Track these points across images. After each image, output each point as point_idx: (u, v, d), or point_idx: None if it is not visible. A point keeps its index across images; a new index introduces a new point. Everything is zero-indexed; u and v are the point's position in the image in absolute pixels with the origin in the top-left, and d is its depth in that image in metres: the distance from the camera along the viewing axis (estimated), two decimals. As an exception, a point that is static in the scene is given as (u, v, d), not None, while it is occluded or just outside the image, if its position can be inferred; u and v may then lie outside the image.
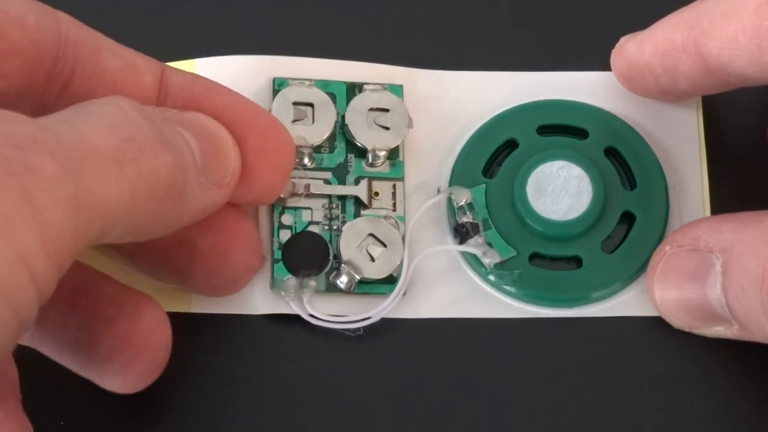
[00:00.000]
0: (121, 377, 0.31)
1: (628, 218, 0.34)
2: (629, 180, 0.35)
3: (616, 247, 0.34)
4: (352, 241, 0.34)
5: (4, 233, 0.23)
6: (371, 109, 0.35)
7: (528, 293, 0.34)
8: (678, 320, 0.33)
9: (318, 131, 0.35)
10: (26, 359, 0.32)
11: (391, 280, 0.33)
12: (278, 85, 0.35)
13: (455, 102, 0.36)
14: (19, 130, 0.25)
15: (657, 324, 0.33)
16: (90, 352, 0.30)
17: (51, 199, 0.24)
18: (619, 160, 0.35)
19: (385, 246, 0.34)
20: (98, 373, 0.31)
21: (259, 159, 0.31)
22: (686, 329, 0.33)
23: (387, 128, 0.35)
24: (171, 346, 0.31)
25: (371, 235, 0.34)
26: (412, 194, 0.35)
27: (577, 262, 0.34)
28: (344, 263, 0.33)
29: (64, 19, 0.29)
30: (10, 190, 0.23)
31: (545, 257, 0.34)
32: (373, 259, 0.34)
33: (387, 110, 0.35)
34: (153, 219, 0.28)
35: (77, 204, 0.25)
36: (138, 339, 0.30)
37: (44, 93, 0.29)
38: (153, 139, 0.27)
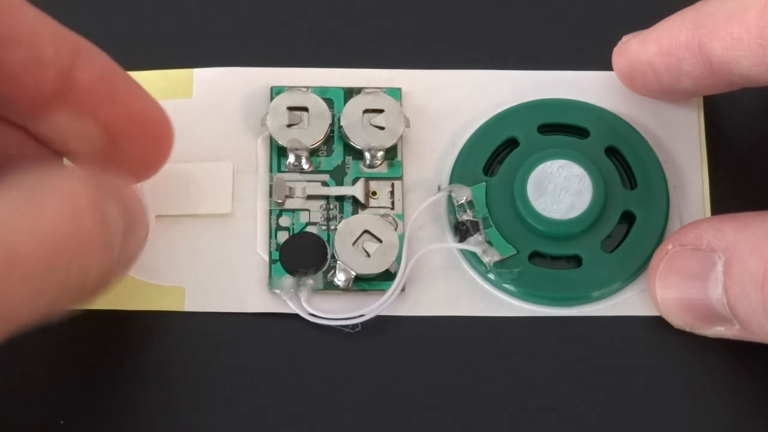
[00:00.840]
0: None
1: (628, 218, 0.34)
2: (630, 179, 0.35)
3: (616, 247, 0.34)
4: (348, 238, 0.34)
5: None
6: (366, 111, 0.35)
7: (528, 292, 0.34)
8: (679, 320, 0.33)
9: (313, 134, 0.35)
10: (26, 359, 0.32)
11: (389, 277, 0.34)
12: (276, 94, 0.35)
13: (456, 101, 0.36)
14: None
15: (657, 324, 0.33)
16: None
17: None
18: (620, 160, 0.35)
19: (380, 242, 0.34)
20: None
21: (134, 169, 0.31)
22: (687, 329, 0.33)
23: (382, 128, 0.35)
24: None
25: (367, 231, 0.34)
26: (412, 192, 0.35)
27: (577, 261, 0.34)
28: (340, 260, 0.33)
29: None
30: None
31: (545, 256, 0.34)
32: (368, 255, 0.34)
33: (382, 111, 0.35)
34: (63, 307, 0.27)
35: None
36: None
37: None
38: (94, 243, 0.26)
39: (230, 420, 0.33)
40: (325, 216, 0.35)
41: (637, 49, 0.34)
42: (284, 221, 0.34)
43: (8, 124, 0.30)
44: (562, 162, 0.34)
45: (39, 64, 0.28)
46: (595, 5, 0.37)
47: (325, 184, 0.35)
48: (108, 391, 0.33)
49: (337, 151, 0.35)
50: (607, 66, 0.35)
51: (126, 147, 0.30)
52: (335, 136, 0.35)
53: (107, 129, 0.30)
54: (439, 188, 0.35)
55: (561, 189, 0.34)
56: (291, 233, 0.34)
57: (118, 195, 0.29)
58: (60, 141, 0.30)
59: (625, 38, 0.35)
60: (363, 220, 0.34)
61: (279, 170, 0.35)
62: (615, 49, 0.35)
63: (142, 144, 0.31)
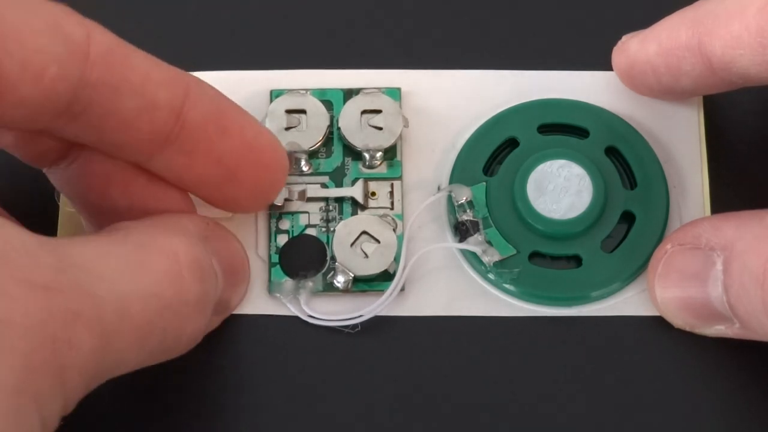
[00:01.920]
0: None
1: (628, 218, 0.34)
2: (629, 179, 0.35)
3: (616, 247, 0.34)
4: (346, 240, 0.34)
5: (34, 410, 0.24)
6: (364, 112, 0.35)
7: (527, 292, 0.34)
8: (679, 319, 0.33)
9: (311, 136, 0.35)
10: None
11: (389, 278, 0.33)
12: (275, 97, 0.35)
13: (456, 101, 0.36)
14: (69, 303, 0.25)
15: (657, 323, 0.33)
16: None
17: (80, 375, 0.25)
18: (620, 160, 0.35)
19: (379, 242, 0.34)
20: None
21: (251, 199, 0.32)
22: (687, 328, 0.33)
23: (380, 129, 0.35)
24: None
25: (365, 232, 0.34)
26: (412, 192, 0.35)
27: (577, 261, 0.34)
28: (338, 262, 0.33)
29: (95, 51, 0.27)
30: (49, 370, 0.24)
31: (545, 256, 0.34)
32: (366, 256, 0.33)
33: (380, 111, 0.35)
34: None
35: (99, 373, 0.26)
36: None
37: (48, 124, 0.28)
38: (192, 305, 0.28)
39: (230, 421, 0.33)
40: (325, 218, 0.35)
41: (636, 48, 0.34)
42: (284, 224, 0.34)
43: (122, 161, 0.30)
44: (562, 162, 0.34)
45: (151, 109, 0.28)
46: (595, 5, 0.37)
47: (324, 185, 0.35)
48: (106, 392, 0.33)
49: (336, 153, 0.35)
50: (607, 66, 0.35)
51: (241, 178, 0.31)
52: (334, 137, 0.35)
53: (221, 162, 0.30)
54: (439, 188, 0.35)
55: (561, 189, 0.34)
56: (291, 236, 0.34)
57: (220, 253, 0.30)
58: (175, 177, 0.30)
59: (624, 38, 0.35)
60: (361, 220, 0.34)
61: (278, 173, 0.35)
62: (615, 48, 0.35)
63: (256, 174, 0.31)
